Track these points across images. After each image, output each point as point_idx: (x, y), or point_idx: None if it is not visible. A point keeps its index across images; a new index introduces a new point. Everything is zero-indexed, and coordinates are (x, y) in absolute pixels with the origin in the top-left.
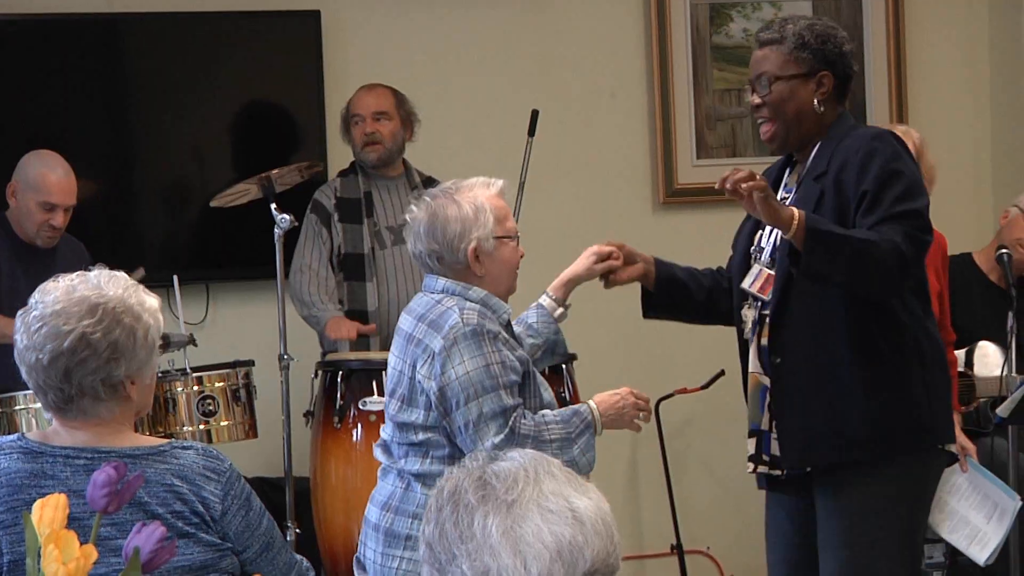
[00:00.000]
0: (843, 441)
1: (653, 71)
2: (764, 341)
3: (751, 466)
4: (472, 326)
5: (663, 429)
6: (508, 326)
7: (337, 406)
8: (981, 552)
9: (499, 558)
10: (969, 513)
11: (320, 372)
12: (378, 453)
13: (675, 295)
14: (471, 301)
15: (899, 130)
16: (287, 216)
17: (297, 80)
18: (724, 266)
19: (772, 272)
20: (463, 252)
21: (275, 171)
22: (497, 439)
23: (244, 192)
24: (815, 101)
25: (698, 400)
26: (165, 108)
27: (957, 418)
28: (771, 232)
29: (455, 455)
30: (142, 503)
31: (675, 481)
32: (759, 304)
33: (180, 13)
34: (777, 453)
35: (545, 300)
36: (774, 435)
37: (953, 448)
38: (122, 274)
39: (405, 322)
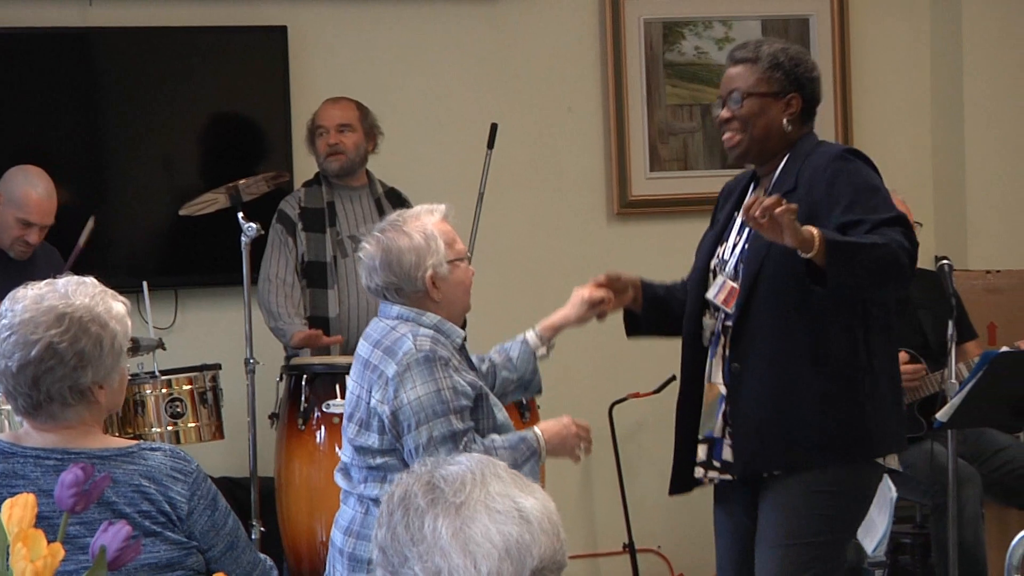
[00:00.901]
0: (792, 451)
1: (608, 87)
2: (727, 352)
3: (700, 471)
4: (425, 352)
5: (616, 432)
6: (462, 349)
7: (301, 408)
8: (871, 543)
9: (449, 559)
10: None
11: (285, 375)
12: (338, 478)
13: (659, 315)
14: (424, 327)
15: None
16: (254, 225)
17: (264, 92)
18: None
19: (736, 285)
20: (421, 280)
21: (242, 181)
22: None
23: (212, 201)
24: (783, 120)
25: (650, 404)
26: (136, 119)
27: None
28: (733, 246)
29: None
30: (110, 503)
31: (627, 482)
32: (722, 315)
33: (152, 28)
34: (729, 459)
35: (531, 337)
36: (728, 442)
37: (893, 463)
38: (91, 280)
39: (363, 348)
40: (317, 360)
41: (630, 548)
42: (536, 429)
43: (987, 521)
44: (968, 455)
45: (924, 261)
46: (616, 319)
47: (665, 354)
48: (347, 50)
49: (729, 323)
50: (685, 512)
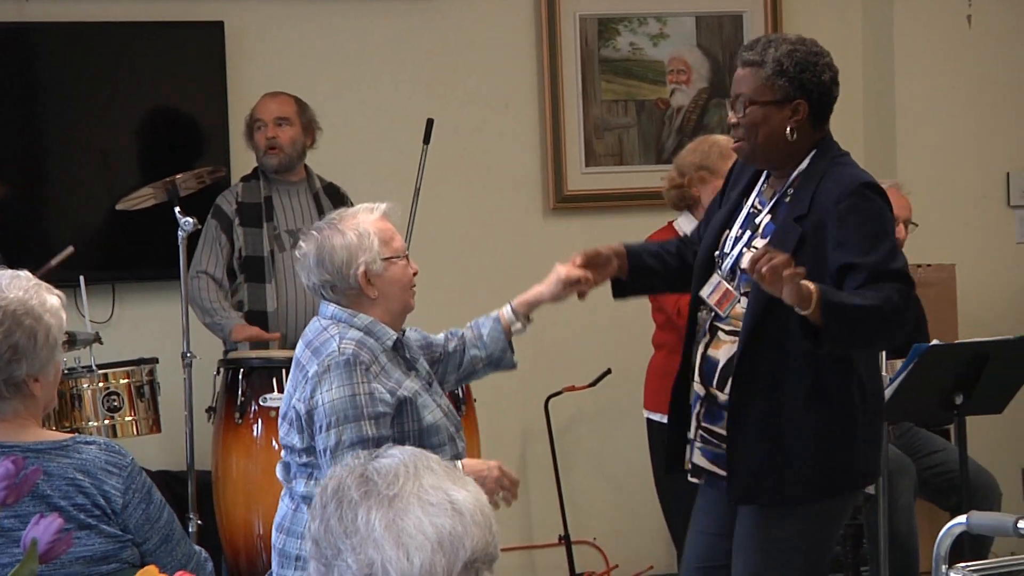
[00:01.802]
0: (784, 486)
1: (544, 82)
2: (711, 352)
3: (688, 464)
4: (347, 355)
5: (552, 425)
6: (396, 349)
7: (238, 402)
8: None
9: (383, 550)
10: None
11: (222, 369)
12: (279, 473)
13: (646, 280)
14: (355, 328)
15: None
16: (190, 219)
17: (201, 88)
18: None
19: (730, 287)
20: (353, 277)
21: (179, 176)
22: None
23: (149, 196)
24: (787, 128)
25: (585, 397)
26: (73, 114)
27: None
28: (735, 242)
29: None
30: (44, 496)
31: (563, 475)
32: (713, 315)
33: (89, 23)
34: (700, 463)
35: (506, 312)
36: (698, 444)
37: (871, 489)
38: (25, 274)
39: (298, 348)
40: (254, 354)
41: (566, 540)
42: (459, 463)
43: (919, 512)
44: (902, 450)
45: None
46: (549, 316)
47: (601, 348)
48: (284, 46)
49: (719, 323)
50: (620, 505)
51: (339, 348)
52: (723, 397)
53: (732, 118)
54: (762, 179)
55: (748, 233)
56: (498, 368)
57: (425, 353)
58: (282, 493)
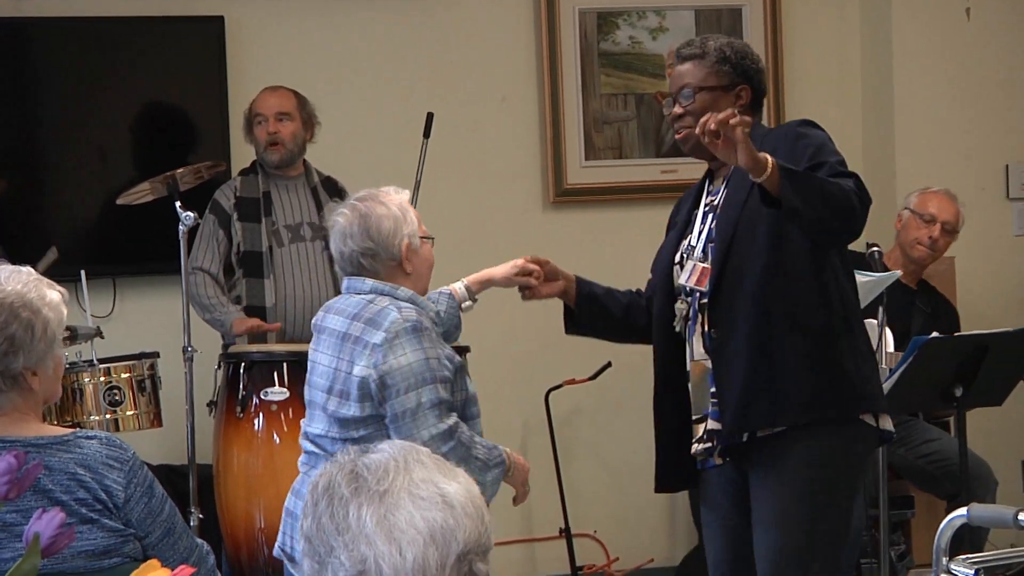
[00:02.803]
0: (777, 407)
1: (543, 76)
2: (707, 328)
3: (696, 447)
4: (412, 322)
5: (552, 418)
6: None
7: (240, 396)
8: None
9: (375, 546)
10: None
11: (223, 363)
12: (306, 445)
13: (595, 312)
14: (402, 300)
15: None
16: (191, 213)
17: (201, 82)
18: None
19: (706, 265)
20: (397, 248)
21: (179, 170)
22: (435, 431)
23: (149, 190)
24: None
25: (586, 390)
26: (73, 109)
27: None
28: (699, 234)
29: None
30: (46, 490)
31: (563, 468)
32: (697, 295)
33: (88, 18)
34: (716, 427)
35: (459, 287)
36: (709, 411)
37: (887, 424)
38: (27, 269)
39: (335, 322)
40: (255, 348)
41: (566, 533)
42: (506, 448)
43: (917, 504)
44: (898, 440)
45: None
46: (551, 309)
47: (601, 342)
48: (283, 40)
49: (705, 300)
50: (621, 497)
51: (402, 316)
52: None
53: (677, 109)
54: (705, 187)
55: (711, 216)
56: (447, 341)
57: None
58: (306, 462)
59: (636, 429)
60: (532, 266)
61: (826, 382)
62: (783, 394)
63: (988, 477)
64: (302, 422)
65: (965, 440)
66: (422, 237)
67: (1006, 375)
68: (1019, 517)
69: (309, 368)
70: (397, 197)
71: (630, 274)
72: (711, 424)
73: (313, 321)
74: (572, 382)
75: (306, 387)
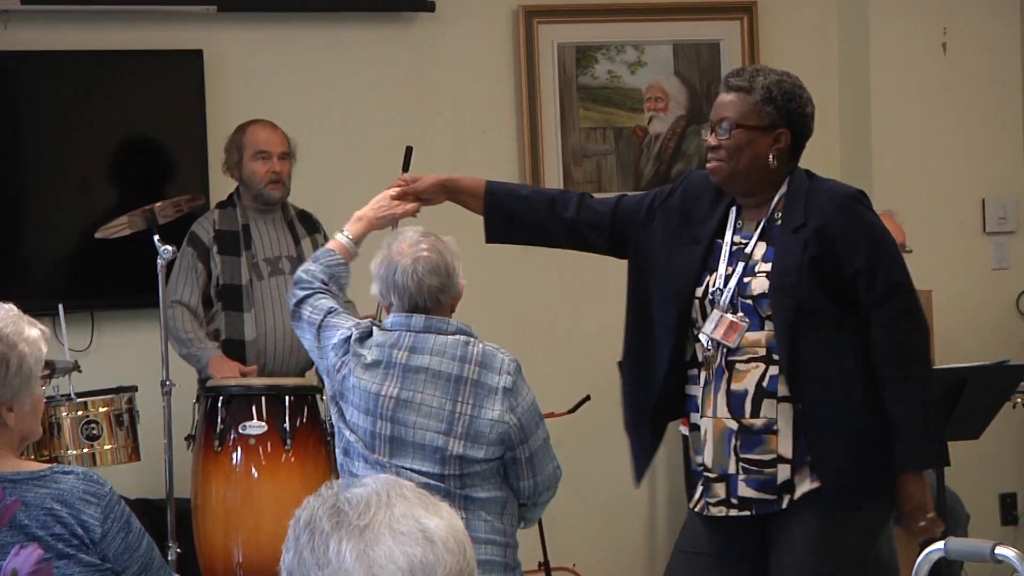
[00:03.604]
0: (880, 470)
1: (522, 109)
2: (735, 386)
3: (723, 510)
4: (515, 362)
5: None
6: None
7: (218, 430)
8: None
9: None
10: None
11: (201, 397)
12: (413, 477)
13: (512, 225)
14: (478, 339)
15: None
16: (169, 247)
17: (180, 116)
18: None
19: (735, 319)
20: (457, 287)
21: (158, 204)
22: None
23: (128, 224)
24: (770, 155)
25: (565, 424)
26: (52, 142)
27: None
28: (726, 278)
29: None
30: (22, 526)
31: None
32: (725, 351)
33: (68, 51)
34: (748, 495)
35: (346, 242)
36: (742, 477)
37: None
38: (9, 306)
39: (437, 363)
40: (234, 382)
41: (545, 566)
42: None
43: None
44: None
45: None
46: (528, 344)
47: (579, 374)
48: (263, 74)
49: (733, 358)
50: (600, 530)
51: (508, 357)
52: (759, 423)
53: (712, 140)
54: (733, 216)
55: (741, 265)
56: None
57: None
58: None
59: (615, 462)
60: (393, 191)
61: (887, 450)
62: (870, 466)
63: (960, 513)
64: (385, 459)
65: (943, 473)
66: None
67: (983, 408)
68: (996, 551)
69: (399, 406)
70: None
71: (612, 304)
72: (741, 490)
73: (385, 359)
74: (551, 415)
75: (393, 424)
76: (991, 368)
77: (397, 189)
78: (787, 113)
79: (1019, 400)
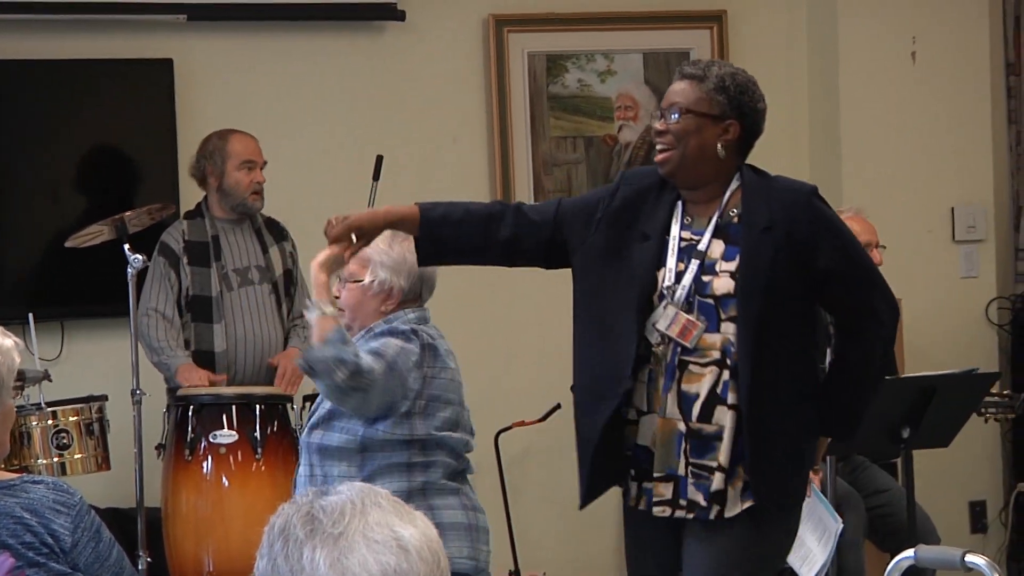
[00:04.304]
0: (800, 485)
1: (493, 118)
2: (685, 387)
3: (667, 510)
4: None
5: (502, 460)
6: None
7: (188, 439)
8: (809, 573)
9: None
10: (806, 535)
11: (171, 406)
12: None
13: (444, 250)
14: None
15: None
16: (140, 256)
17: (150, 125)
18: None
19: (691, 318)
20: None
21: (128, 213)
22: None
23: (98, 233)
24: (718, 145)
25: (535, 432)
26: (22, 151)
27: None
28: (678, 275)
29: None
30: None
31: (513, 509)
32: (679, 349)
33: (39, 60)
34: (696, 499)
35: (332, 311)
36: (691, 481)
37: None
38: None
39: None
40: (204, 391)
41: (516, 574)
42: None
43: (867, 544)
44: (849, 485)
45: None
46: (499, 354)
47: (550, 383)
48: (233, 83)
49: (687, 358)
50: (570, 538)
51: None
52: (709, 428)
53: (660, 125)
54: (679, 211)
55: (696, 263)
56: None
57: None
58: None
59: None
60: (336, 250)
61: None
62: (803, 473)
63: (930, 530)
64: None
65: (912, 480)
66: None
67: (953, 416)
68: (966, 559)
69: (460, 387)
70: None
71: None
72: (691, 493)
73: (438, 344)
74: (522, 424)
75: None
76: (960, 376)
77: (325, 253)
78: (738, 105)
79: (990, 414)
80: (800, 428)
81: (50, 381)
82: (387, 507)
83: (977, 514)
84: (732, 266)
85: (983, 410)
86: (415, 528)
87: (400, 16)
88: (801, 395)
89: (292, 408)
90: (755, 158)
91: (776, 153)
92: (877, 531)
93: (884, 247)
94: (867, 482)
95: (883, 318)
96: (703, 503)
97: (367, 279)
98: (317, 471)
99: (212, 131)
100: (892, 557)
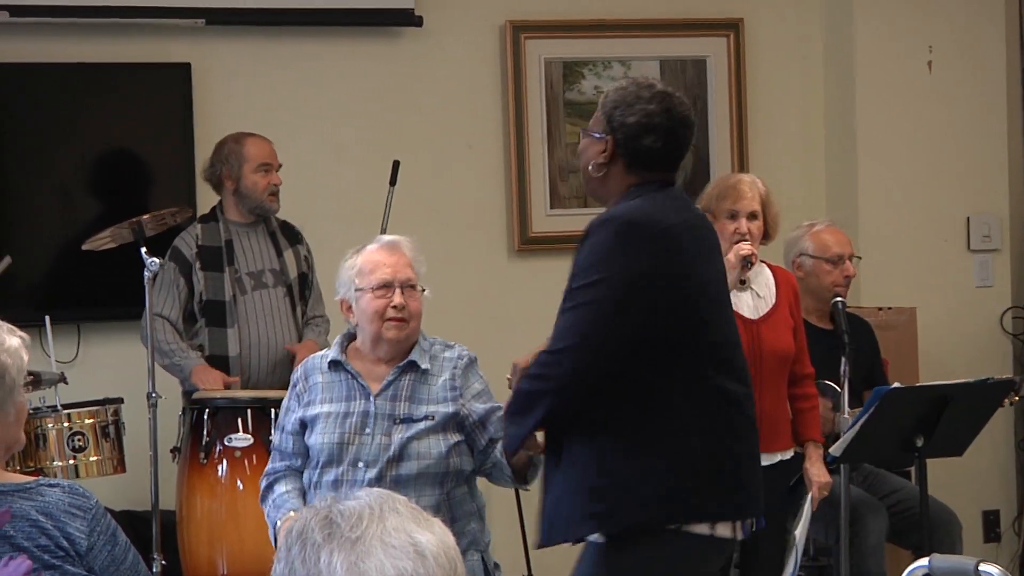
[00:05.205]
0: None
1: (509, 124)
2: None
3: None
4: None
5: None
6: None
7: (203, 442)
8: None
9: None
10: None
11: (187, 410)
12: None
13: None
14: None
15: (746, 179)
16: (156, 260)
17: (168, 128)
18: None
19: None
20: (337, 305)
21: (145, 216)
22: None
23: (115, 236)
24: (591, 164)
25: None
26: (40, 154)
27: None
28: None
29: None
30: (8, 536)
31: (526, 512)
32: None
33: (57, 64)
34: None
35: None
36: None
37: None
38: None
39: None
40: (219, 394)
41: None
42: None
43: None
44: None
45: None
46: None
47: None
48: (250, 87)
49: None
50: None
51: None
52: None
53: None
54: None
55: None
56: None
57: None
58: None
59: None
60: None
61: None
62: None
63: (952, 523)
64: None
65: (926, 491)
66: (360, 289)
67: (967, 425)
68: (980, 568)
69: None
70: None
71: None
72: None
73: None
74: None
75: None
76: (974, 385)
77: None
78: (609, 120)
79: (1014, 397)
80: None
81: (66, 383)
82: (405, 513)
83: (991, 523)
84: None
85: (1011, 395)
86: (432, 534)
87: (417, 22)
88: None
89: None
90: (772, 166)
91: (792, 162)
92: (897, 530)
93: (860, 257)
94: (880, 485)
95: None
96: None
97: (419, 288)
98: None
99: (246, 133)
100: (913, 556)
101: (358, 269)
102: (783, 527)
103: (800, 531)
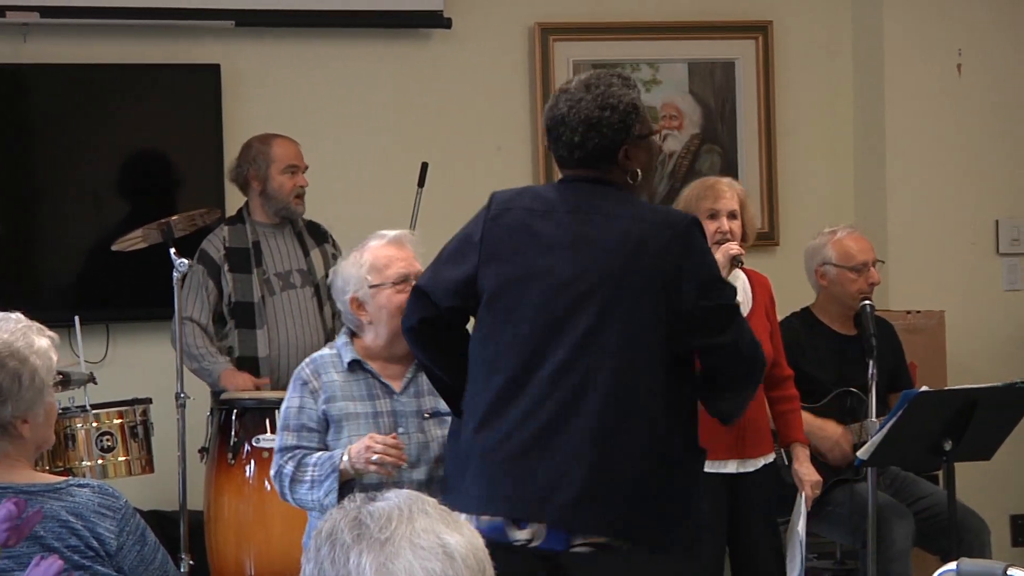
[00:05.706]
0: None
1: (537, 126)
2: None
3: None
4: (296, 372)
5: None
6: (352, 368)
7: (231, 443)
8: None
9: None
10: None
11: (215, 410)
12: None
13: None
14: (329, 349)
15: (724, 180)
16: (185, 260)
17: (197, 129)
18: None
19: None
20: (344, 304)
21: (175, 217)
22: (271, 471)
23: (144, 236)
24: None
25: None
26: (70, 155)
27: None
28: None
29: None
30: (38, 537)
31: None
32: None
33: (87, 64)
34: None
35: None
36: None
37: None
38: (16, 315)
39: None
40: (247, 395)
41: None
42: (348, 449)
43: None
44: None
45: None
46: None
47: None
48: (279, 88)
49: None
50: None
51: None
52: None
53: None
54: None
55: None
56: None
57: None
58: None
59: None
60: (390, 456)
61: None
62: None
63: (982, 528)
64: None
65: (954, 495)
66: (377, 285)
67: (995, 429)
68: (1009, 572)
69: None
70: (365, 248)
71: None
72: None
73: None
74: None
75: None
76: (1002, 389)
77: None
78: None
79: None
80: None
81: (95, 384)
82: (434, 514)
83: (1019, 527)
84: None
85: None
86: (461, 536)
87: (446, 24)
88: None
89: None
90: (800, 168)
91: (820, 164)
92: (925, 535)
93: (883, 262)
94: (909, 491)
95: None
96: None
97: None
98: None
99: (273, 134)
100: (941, 561)
101: (370, 265)
102: (775, 530)
103: (801, 526)
